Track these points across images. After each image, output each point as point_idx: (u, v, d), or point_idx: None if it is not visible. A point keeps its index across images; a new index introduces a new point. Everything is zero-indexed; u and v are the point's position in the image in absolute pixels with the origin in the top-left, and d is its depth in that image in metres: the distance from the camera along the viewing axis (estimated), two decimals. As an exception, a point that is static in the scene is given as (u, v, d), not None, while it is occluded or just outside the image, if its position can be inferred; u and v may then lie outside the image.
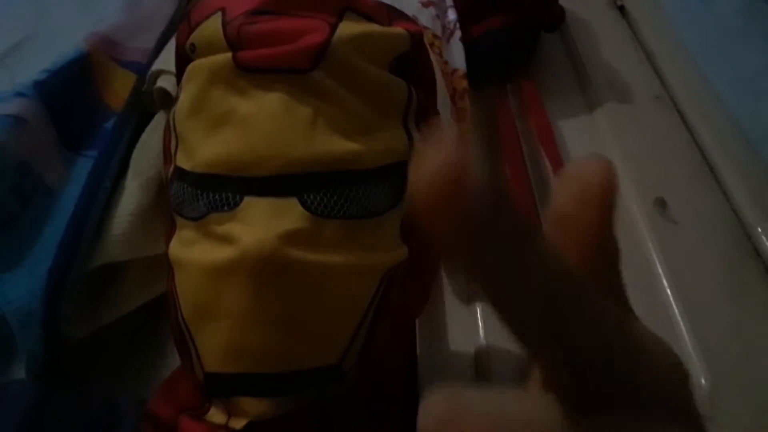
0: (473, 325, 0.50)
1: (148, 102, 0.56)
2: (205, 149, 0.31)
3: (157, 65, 0.55)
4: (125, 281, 0.47)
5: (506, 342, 0.51)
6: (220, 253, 0.29)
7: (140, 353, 0.48)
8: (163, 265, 0.49)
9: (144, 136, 0.53)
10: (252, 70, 0.30)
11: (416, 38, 0.34)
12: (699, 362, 0.47)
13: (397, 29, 0.34)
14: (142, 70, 0.57)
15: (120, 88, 0.55)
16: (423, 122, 0.34)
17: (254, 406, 0.29)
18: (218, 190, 0.30)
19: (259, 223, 0.28)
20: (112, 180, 0.48)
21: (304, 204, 0.29)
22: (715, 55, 0.70)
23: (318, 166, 0.30)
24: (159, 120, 0.54)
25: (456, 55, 0.62)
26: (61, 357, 0.41)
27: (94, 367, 0.46)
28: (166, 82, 0.53)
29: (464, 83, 0.60)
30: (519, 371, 0.47)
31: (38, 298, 0.39)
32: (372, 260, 0.30)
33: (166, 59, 0.56)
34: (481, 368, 0.48)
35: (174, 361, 0.42)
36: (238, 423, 0.29)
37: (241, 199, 0.29)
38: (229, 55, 0.31)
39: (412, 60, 0.34)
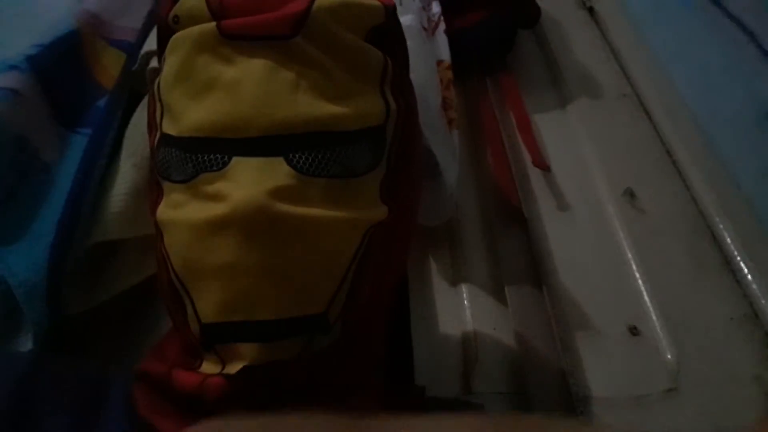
0: (460, 307, 0.53)
1: (139, 81, 0.55)
2: (192, 114, 0.32)
3: (148, 45, 0.55)
4: (121, 260, 0.47)
5: (491, 324, 0.54)
6: (212, 210, 0.30)
7: (135, 332, 0.48)
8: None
9: (135, 116, 0.53)
10: (235, 38, 0.32)
11: (390, 11, 0.36)
12: (664, 337, 0.51)
13: (372, 1, 0.35)
14: (131, 49, 0.56)
15: (110, 66, 0.54)
16: (398, 89, 0.36)
17: (248, 352, 0.31)
18: (207, 152, 0.31)
19: (248, 181, 0.30)
20: (105, 158, 0.48)
21: (290, 163, 0.31)
22: (677, 55, 0.75)
23: (302, 127, 0.31)
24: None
25: (441, 46, 0.64)
26: (63, 331, 0.41)
27: (89, 344, 0.46)
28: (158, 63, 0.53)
29: (449, 74, 0.62)
30: (503, 352, 0.50)
31: (41, 273, 0.39)
32: (355, 216, 0.32)
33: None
34: (469, 349, 0.50)
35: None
36: (234, 368, 0.31)
37: (230, 159, 0.31)
38: (213, 24, 0.32)
39: (386, 31, 0.36)
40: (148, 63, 0.54)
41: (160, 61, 0.36)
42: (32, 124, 0.45)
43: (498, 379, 0.48)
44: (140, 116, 0.53)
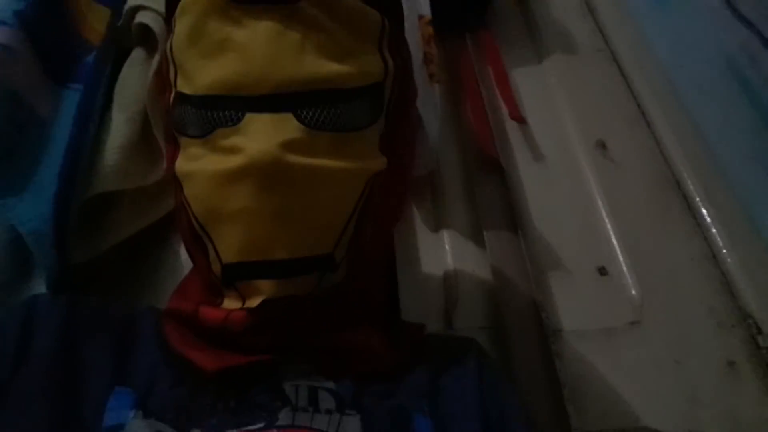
0: (442, 251, 0.56)
1: (124, 37, 0.56)
2: (206, 74, 0.34)
3: (133, 1, 0.55)
4: (119, 211, 0.49)
5: (470, 266, 0.58)
6: (229, 162, 0.33)
7: (134, 281, 0.51)
8: (152, 197, 0.52)
9: (124, 72, 0.54)
10: (243, 1, 0.34)
11: None
12: (630, 277, 0.55)
13: None
14: (116, 4, 0.57)
15: (95, 22, 0.54)
16: (395, 48, 0.39)
17: (266, 288, 0.34)
18: (221, 109, 0.34)
19: (261, 135, 0.33)
20: (98, 113, 0.49)
21: (298, 118, 0.34)
22: (651, 12, 0.77)
23: (308, 85, 0.34)
24: (137, 55, 0.55)
25: (422, 1, 0.65)
26: (71, 277, 0.43)
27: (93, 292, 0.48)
28: (146, 18, 0.53)
29: (430, 29, 0.63)
30: (482, 291, 0.54)
31: (48, 222, 0.40)
32: (357, 166, 0.35)
33: (141, -6, 0.56)
34: (450, 288, 0.54)
35: (169, 285, 0.45)
36: (253, 303, 0.34)
37: (243, 115, 0.33)
38: None
39: None
40: (133, 18, 0.55)
41: (169, 23, 0.37)
42: (25, 79, 0.45)
43: (477, 316, 0.52)
44: (129, 71, 0.54)
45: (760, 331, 0.51)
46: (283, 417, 0.33)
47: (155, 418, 0.32)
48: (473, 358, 0.40)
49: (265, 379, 0.35)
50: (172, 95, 0.37)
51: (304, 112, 0.34)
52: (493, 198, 0.59)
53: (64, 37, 0.51)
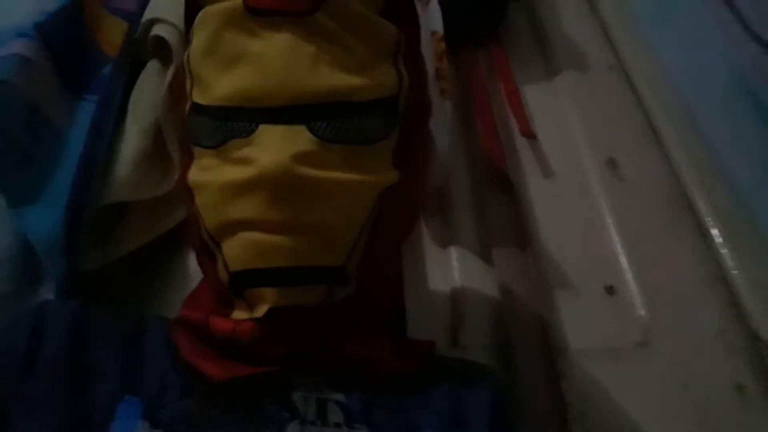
0: (450, 267, 0.56)
1: (140, 50, 0.57)
2: (221, 85, 0.35)
3: (150, 14, 0.56)
4: (130, 220, 0.50)
5: (478, 283, 0.58)
6: (241, 173, 0.33)
7: (144, 290, 0.51)
8: (163, 207, 0.53)
9: (139, 83, 0.54)
10: (260, 13, 0.34)
11: None
12: (639, 296, 0.55)
13: None
14: (131, 18, 0.58)
15: (112, 34, 0.55)
16: (410, 61, 0.39)
17: (273, 296, 0.34)
18: (235, 120, 0.34)
19: (274, 147, 0.33)
20: (112, 124, 0.50)
21: (311, 130, 0.34)
22: (663, 29, 0.77)
23: (322, 97, 0.34)
24: (152, 67, 0.56)
25: (434, 17, 0.66)
26: (80, 286, 0.44)
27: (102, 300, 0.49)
28: (162, 30, 0.54)
29: (443, 45, 0.64)
30: (489, 308, 0.54)
31: (59, 231, 0.41)
32: (370, 180, 0.35)
33: (158, 8, 0.57)
34: (457, 305, 0.54)
35: (179, 296, 0.46)
36: (260, 312, 0.34)
37: (257, 127, 0.34)
38: (240, 0, 0.34)
39: (399, 4, 0.39)
40: (149, 31, 0.56)
41: (187, 35, 0.38)
42: (43, 90, 0.46)
43: (483, 333, 0.52)
44: (144, 83, 0.55)
45: (770, 355, 0.50)
46: (291, 430, 0.33)
47: (163, 429, 0.33)
48: (488, 387, 0.39)
49: (274, 389, 0.35)
50: (188, 106, 0.37)
51: (318, 125, 0.34)
52: (502, 214, 0.59)
53: (83, 50, 0.52)
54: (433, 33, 0.65)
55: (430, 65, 0.59)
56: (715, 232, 0.58)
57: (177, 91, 0.41)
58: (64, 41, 0.50)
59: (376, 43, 0.36)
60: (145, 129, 0.51)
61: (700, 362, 0.51)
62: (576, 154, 0.66)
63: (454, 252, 0.57)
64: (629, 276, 0.56)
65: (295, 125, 0.34)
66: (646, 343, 0.52)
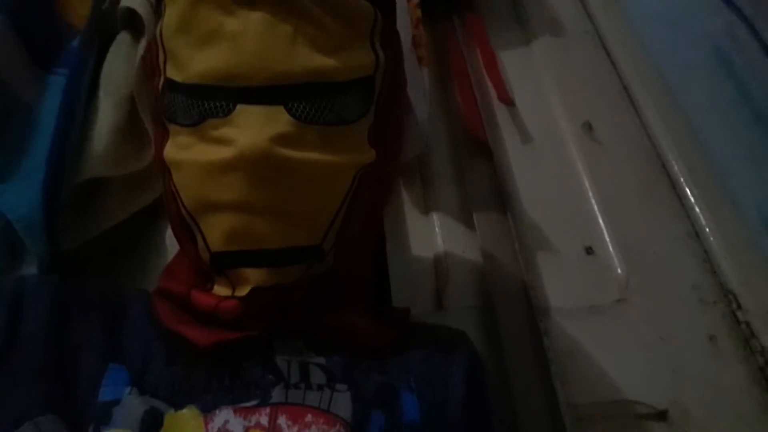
0: (432, 233, 0.57)
1: (110, 22, 0.55)
2: (196, 62, 0.34)
3: (117, -16, 0.54)
4: (109, 196, 0.49)
5: (460, 247, 0.58)
6: (219, 153, 0.33)
7: (124, 265, 0.51)
8: (141, 182, 0.52)
9: (110, 56, 0.53)
10: None
11: None
12: (616, 255, 0.56)
13: None
14: (99, -12, 0.56)
15: (79, 6, 0.54)
16: (386, 39, 0.39)
17: (255, 276, 0.35)
18: (212, 99, 0.34)
19: (253, 127, 0.33)
20: (84, 98, 0.49)
21: (289, 111, 0.34)
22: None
23: (300, 78, 0.34)
24: (122, 39, 0.54)
25: (409, -16, 0.65)
26: (62, 263, 0.43)
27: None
28: (132, 2, 0.53)
29: (418, 12, 0.63)
30: (472, 271, 0.55)
31: (37, 208, 0.40)
32: (346, 159, 0.36)
33: (126, -22, 0.55)
34: (440, 269, 0.55)
35: (159, 270, 0.45)
36: (243, 291, 0.35)
37: (234, 107, 0.33)
38: None
39: None
40: (118, 1, 0.54)
41: (159, 7, 0.37)
42: (10, 65, 0.45)
43: (467, 295, 0.53)
44: (115, 56, 0.53)
45: (740, 306, 0.52)
46: (276, 394, 0.34)
47: (150, 395, 0.33)
48: (463, 350, 0.41)
49: (257, 354, 0.36)
50: (162, 81, 0.37)
51: (295, 105, 0.34)
52: (481, 180, 0.60)
53: (48, 22, 0.51)
54: (409, 0, 0.65)
55: (407, 33, 0.59)
56: (688, 192, 0.60)
57: (150, 63, 0.40)
58: (28, 14, 0.48)
59: (352, 23, 0.36)
60: (118, 102, 0.50)
61: (675, 316, 0.53)
62: (553, 119, 0.67)
63: (435, 218, 0.58)
64: (607, 236, 0.58)
65: (273, 106, 0.33)
66: (624, 299, 0.54)
